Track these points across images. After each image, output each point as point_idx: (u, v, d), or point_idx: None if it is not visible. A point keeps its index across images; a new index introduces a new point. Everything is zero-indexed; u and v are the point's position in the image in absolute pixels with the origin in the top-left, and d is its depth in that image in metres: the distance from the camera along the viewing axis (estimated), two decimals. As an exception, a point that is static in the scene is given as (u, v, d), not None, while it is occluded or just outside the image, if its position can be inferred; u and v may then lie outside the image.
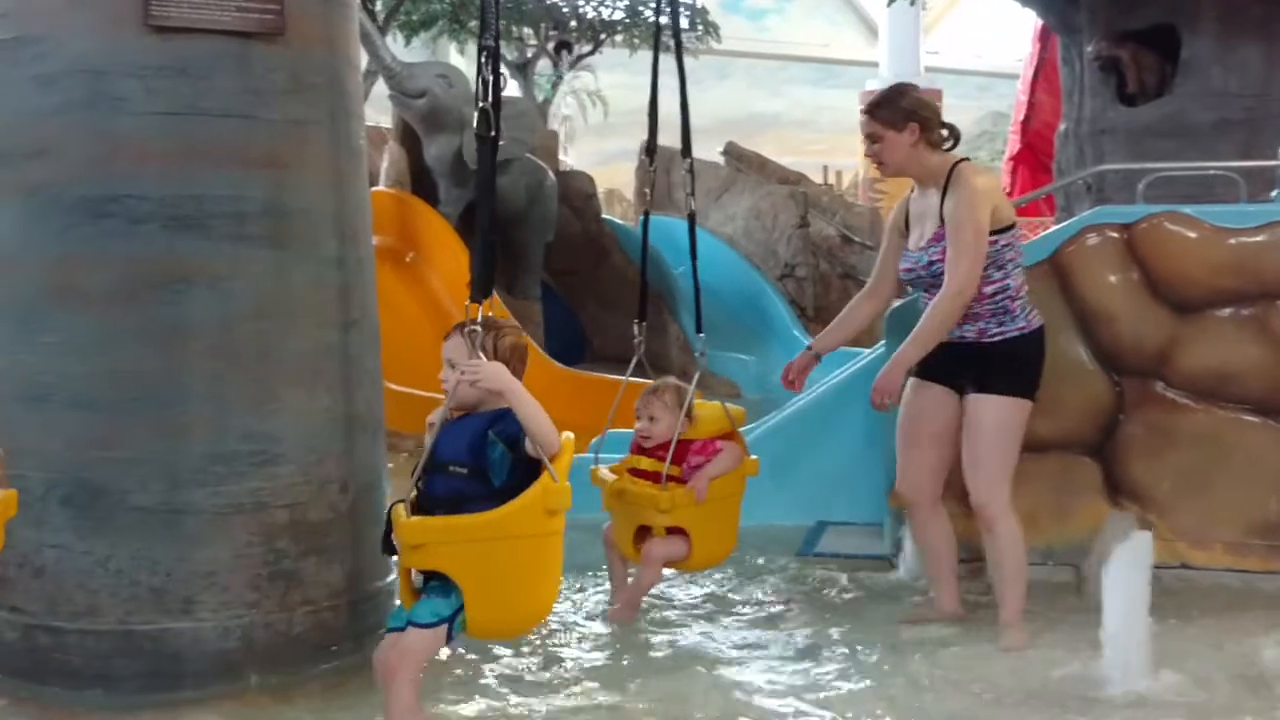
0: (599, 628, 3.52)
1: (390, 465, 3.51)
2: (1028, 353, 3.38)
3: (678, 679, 3.10)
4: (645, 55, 3.66)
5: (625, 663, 3.23)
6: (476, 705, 2.92)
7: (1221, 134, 6.66)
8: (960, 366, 3.38)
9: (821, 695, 3.00)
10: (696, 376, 3.52)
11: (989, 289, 3.32)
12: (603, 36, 15.40)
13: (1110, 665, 2.97)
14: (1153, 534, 3.84)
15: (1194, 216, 3.96)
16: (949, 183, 3.33)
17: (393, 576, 3.18)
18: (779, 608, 3.71)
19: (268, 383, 3.03)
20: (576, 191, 9.68)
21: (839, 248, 10.95)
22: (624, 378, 3.54)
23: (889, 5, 13.79)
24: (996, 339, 3.35)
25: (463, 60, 16.34)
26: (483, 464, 2.48)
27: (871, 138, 3.41)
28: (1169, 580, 3.70)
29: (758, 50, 27.34)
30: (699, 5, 15.79)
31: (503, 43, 15.41)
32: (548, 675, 3.13)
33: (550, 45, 15.62)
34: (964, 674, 3.09)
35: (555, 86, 16.87)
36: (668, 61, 3.55)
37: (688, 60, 3.61)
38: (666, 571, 3.75)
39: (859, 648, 3.31)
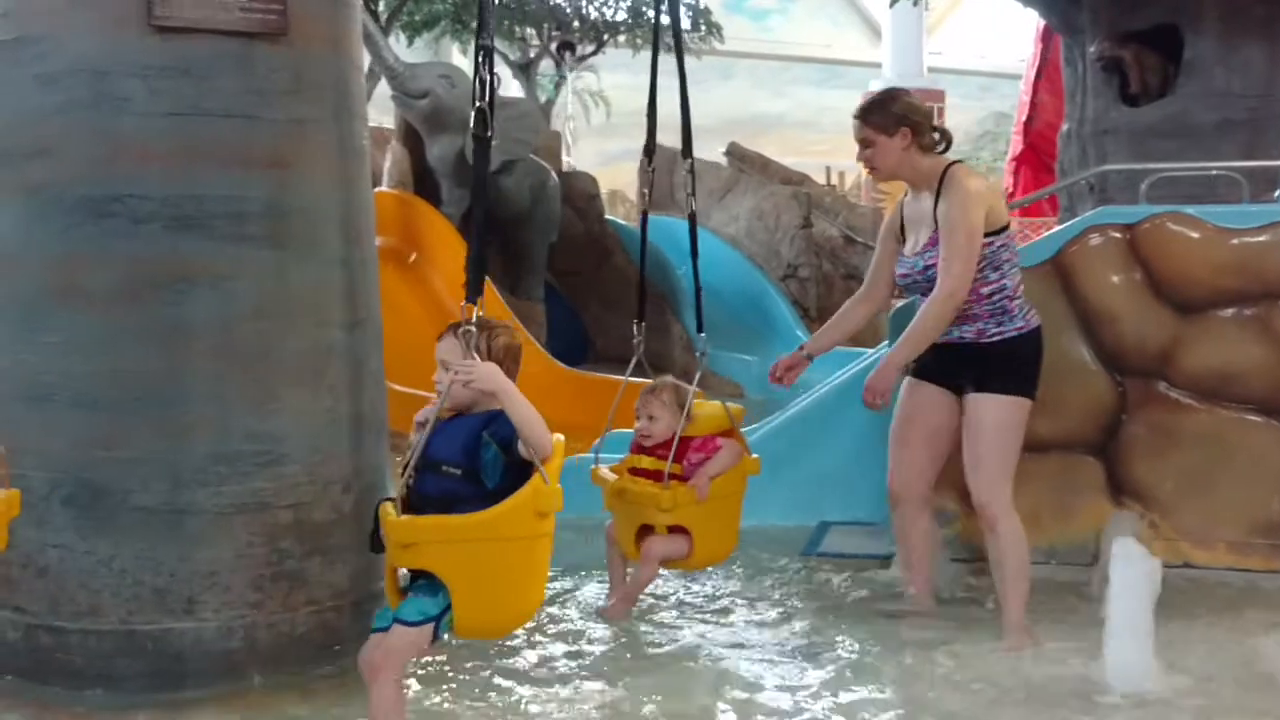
0: (596, 625, 3.51)
1: (393, 465, 3.51)
2: (1027, 352, 3.39)
3: (676, 677, 3.10)
4: (648, 56, 3.66)
5: (623, 661, 3.23)
6: (471, 704, 2.93)
7: (1224, 134, 6.66)
8: (959, 367, 3.38)
9: (822, 694, 3.00)
10: (698, 376, 3.53)
11: (986, 289, 3.33)
12: (605, 37, 15.41)
13: (1113, 665, 2.97)
14: (1155, 534, 3.86)
15: (1197, 217, 3.96)
16: (942, 186, 3.34)
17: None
18: (781, 607, 3.71)
19: (270, 383, 3.03)
20: (579, 192, 9.68)
21: (842, 248, 10.95)
22: (624, 377, 3.55)
23: (892, 6, 13.78)
24: (995, 339, 3.36)
25: (465, 61, 16.32)
26: (476, 465, 2.47)
27: (863, 143, 3.43)
28: (1172, 580, 3.68)
29: (761, 51, 27.35)
30: (702, 6, 15.80)
31: (506, 43, 15.56)
32: (541, 673, 3.13)
33: (553, 46, 15.63)
34: (965, 673, 3.09)
35: (558, 87, 16.90)
36: (669, 62, 3.56)
37: (690, 60, 3.62)
38: (668, 571, 3.75)
39: (860, 647, 3.31)
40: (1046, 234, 4.39)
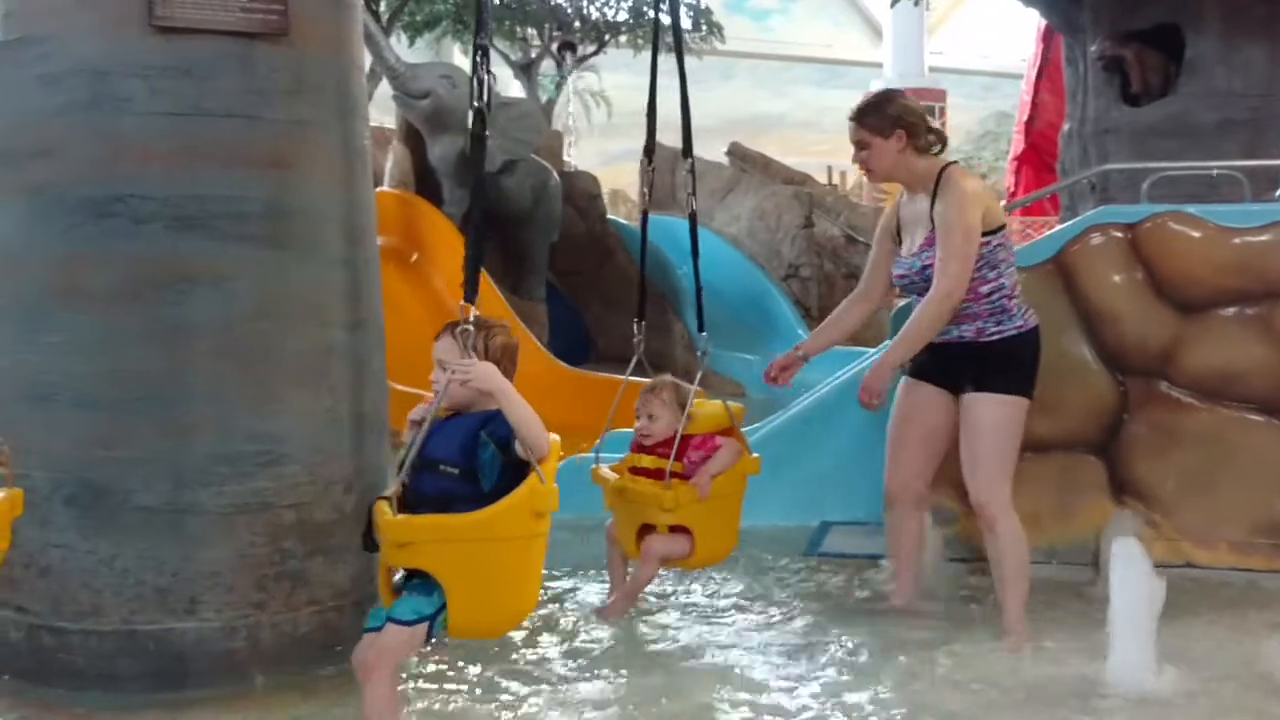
0: (596, 624, 3.52)
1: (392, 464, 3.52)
2: (1026, 351, 3.39)
3: (677, 677, 3.10)
4: (649, 56, 3.67)
5: (623, 660, 3.23)
6: (470, 703, 2.93)
7: (1225, 134, 6.66)
8: (958, 366, 3.39)
9: (822, 694, 3.00)
10: (699, 376, 3.53)
11: (984, 289, 3.33)
12: (607, 37, 15.41)
13: (1114, 664, 2.96)
14: (1156, 533, 3.86)
15: (1198, 216, 3.96)
16: (938, 187, 3.35)
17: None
18: (781, 607, 3.71)
19: (272, 383, 3.03)
20: (581, 192, 9.69)
21: (843, 248, 10.95)
22: (624, 377, 3.55)
23: (893, 6, 13.77)
24: (995, 338, 3.36)
25: (466, 61, 16.32)
26: (474, 464, 2.47)
27: (859, 145, 3.44)
28: (1174, 579, 3.68)
29: (762, 51, 27.34)
30: (703, 5, 15.80)
31: (507, 44, 15.54)
32: (541, 672, 3.13)
33: (554, 46, 15.63)
34: (965, 673, 3.09)
35: (559, 87, 16.89)
36: (669, 62, 3.56)
37: (691, 60, 3.62)
38: (668, 570, 3.75)
39: (861, 647, 3.31)
40: (1048, 233, 4.39)
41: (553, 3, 15.02)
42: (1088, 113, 7.49)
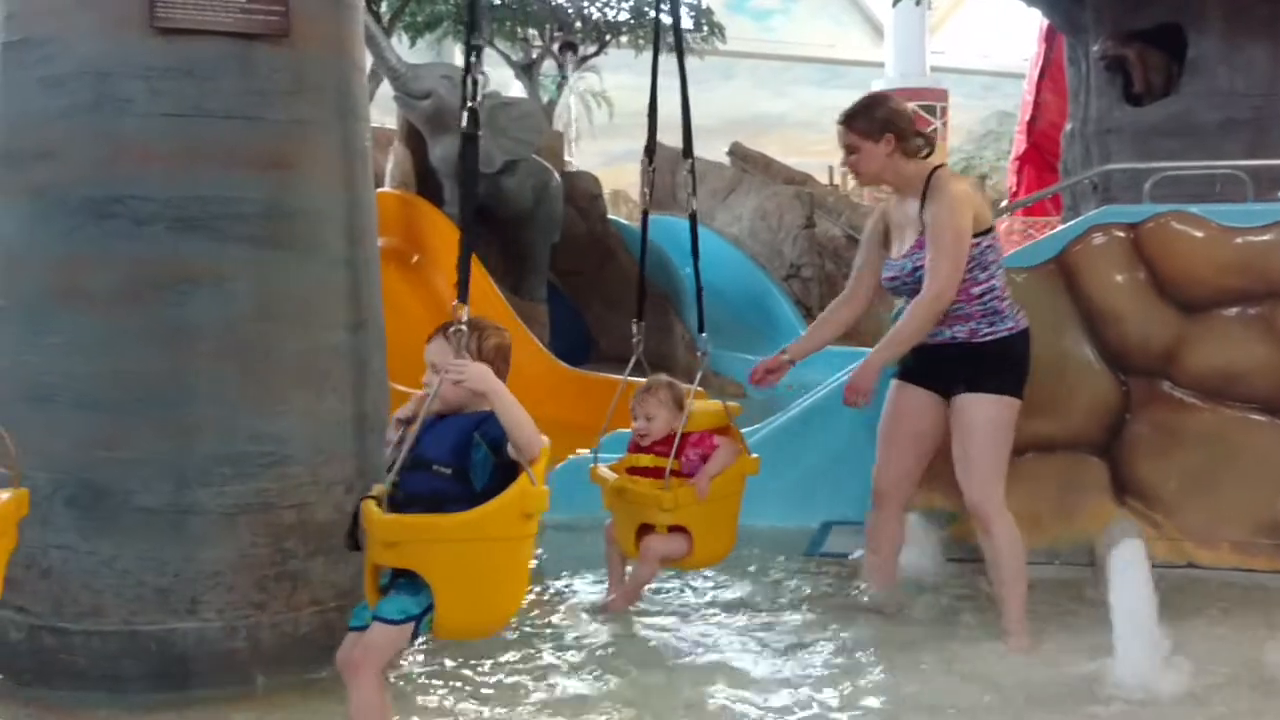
0: (594, 624, 3.52)
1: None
2: (1018, 352, 3.41)
3: (676, 677, 3.10)
4: (650, 56, 3.67)
5: (621, 660, 3.23)
6: (467, 703, 2.93)
7: (1228, 133, 6.66)
8: (950, 368, 3.40)
9: (822, 694, 3.00)
10: (699, 376, 3.53)
11: (976, 290, 3.35)
12: (608, 37, 15.41)
13: (1116, 665, 2.96)
14: (1158, 533, 3.85)
15: (1200, 216, 3.96)
16: (928, 189, 3.36)
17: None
18: (781, 607, 3.71)
19: (274, 383, 3.03)
20: (582, 192, 9.68)
21: (844, 248, 10.94)
22: (623, 377, 3.56)
23: (894, 5, 13.76)
24: (988, 338, 3.37)
25: (468, 61, 16.31)
26: (466, 465, 2.46)
27: (848, 149, 3.45)
28: (1176, 579, 3.69)
29: (763, 51, 27.33)
30: (704, 6, 15.80)
31: (508, 44, 15.51)
32: (539, 672, 3.13)
33: (555, 46, 15.62)
34: (965, 674, 3.09)
35: (560, 87, 16.89)
36: (670, 62, 3.56)
37: (692, 60, 3.63)
38: (671, 570, 3.75)
39: (860, 648, 3.31)
40: (1050, 233, 4.38)
41: (554, 3, 15.02)
42: (1090, 112, 7.49)
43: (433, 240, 8.22)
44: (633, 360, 3.50)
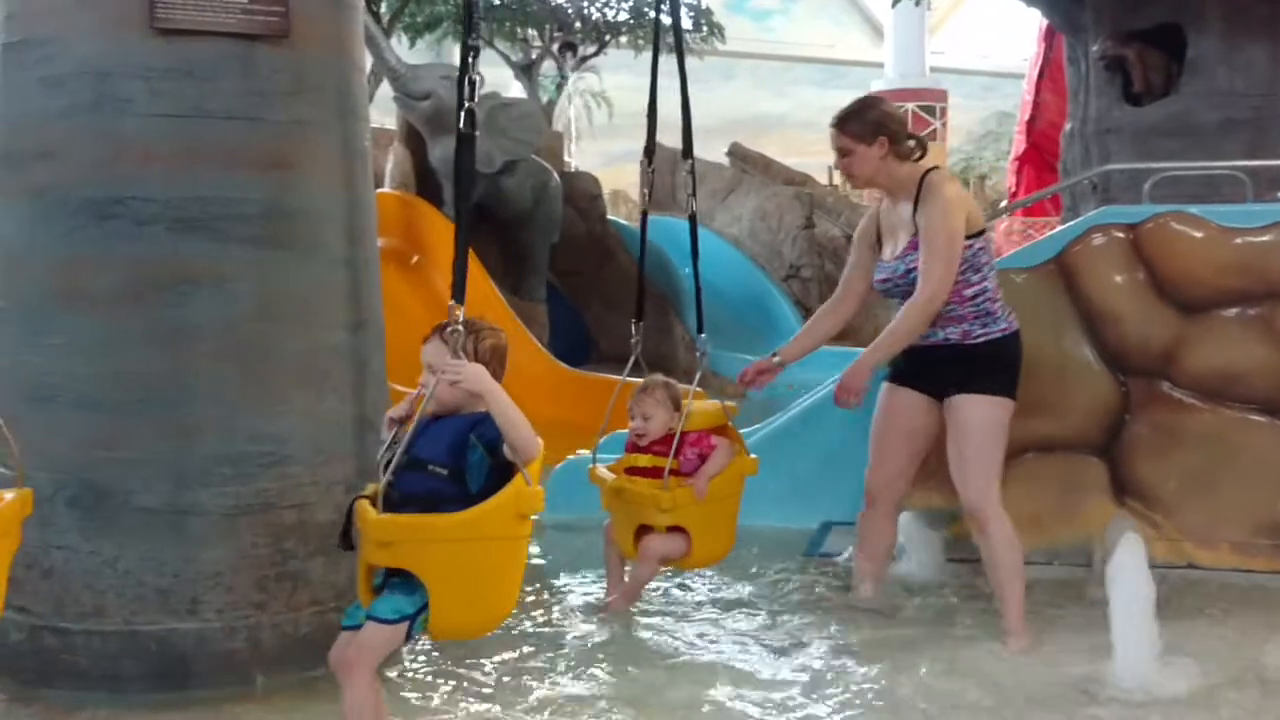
0: (594, 625, 3.52)
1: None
2: (1010, 353, 3.43)
3: (676, 678, 3.10)
4: (650, 56, 3.67)
5: (621, 660, 3.24)
6: (458, 702, 2.93)
7: (1227, 133, 6.67)
8: (942, 369, 3.42)
9: (822, 694, 3.00)
10: (697, 376, 3.54)
11: (969, 292, 3.37)
12: (607, 38, 15.41)
13: (1115, 665, 2.96)
14: (1158, 534, 3.85)
15: (1200, 216, 3.96)
16: (921, 191, 3.38)
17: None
18: (781, 607, 3.71)
19: (274, 384, 3.03)
20: (581, 193, 9.69)
21: (844, 248, 10.93)
22: (621, 377, 3.56)
23: (894, 6, 13.77)
24: (980, 340, 3.39)
25: (468, 62, 16.29)
26: (462, 465, 2.46)
27: (841, 151, 3.47)
28: (1176, 580, 3.69)
29: (763, 51, 27.34)
30: (704, 6, 15.80)
31: (508, 44, 15.49)
32: (537, 673, 3.13)
33: (555, 46, 15.63)
34: (966, 674, 3.09)
35: (560, 88, 16.89)
36: (670, 62, 3.56)
37: (692, 61, 3.63)
38: (670, 571, 3.75)
39: (861, 648, 3.31)
40: (1050, 233, 4.38)
41: (553, 3, 15.02)
42: (1089, 112, 7.49)
43: (432, 240, 8.22)
44: (631, 361, 3.51)
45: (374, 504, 2.40)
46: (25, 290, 3.02)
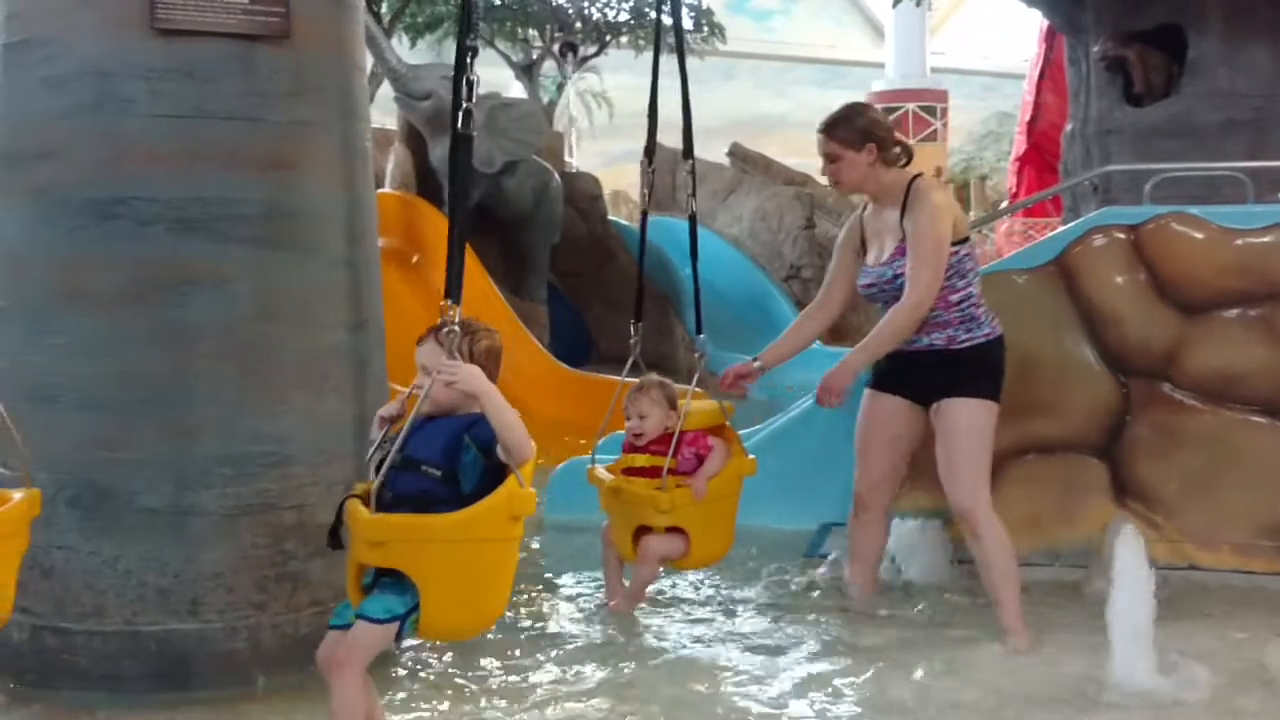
0: (594, 626, 3.52)
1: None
2: (995, 358, 3.46)
3: (674, 677, 3.10)
4: (650, 57, 3.67)
5: (617, 658, 3.24)
6: (454, 701, 2.93)
7: (1228, 134, 6.67)
8: (927, 375, 3.44)
9: (821, 695, 3.00)
10: (695, 376, 3.55)
11: (954, 297, 3.39)
12: (608, 38, 15.41)
13: (1115, 666, 2.96)
14: (1159, 535, 3.85)
15: (1201, 217, 3.96)
16: (909, 198, 3.40)
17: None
18: (781, 608, 3.71)
19: (275, 384, 3.03)
20: (582, 193, 9.69)
21: (844, 249, 10.94)
22: (621, 378, 3.56)
23: (895, 6, 13.77)
24: (966, 345, 3.41)
25: (468, 62, 16.27)
26: (455, 466, 2.45)
27: (829, 157, 3.49)
28: (1176, 581, 3.69)
29: (763, 51, 27.34)
30: (704, 6, 15.80)
31: (509, 44, 15.48)
32: (536, 672, 3.13)
33: (555, 47, 15.62)
34: (965, 674, 3.09)
35: (560, 88, 16.89)
36: (671, 63, 3.56)
37: (693, 61, 3.64)
38: (668, 571, 3.75)
39: (860, 648, 3.31)
40: (1050, 234, 4.38)
41: (554, 4, 15.02)
42: (1090, 113, 7.49)
43: (433, 241, 8.22)
44: (630, 361, 3.51)
45: (365, 503, 2.40)
46: (27, 290, 3.02)
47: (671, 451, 3.43)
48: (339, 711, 2.44)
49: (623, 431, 3.68)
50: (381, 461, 2.42)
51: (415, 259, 8.22)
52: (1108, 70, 7.33)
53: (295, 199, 3.07)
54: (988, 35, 26.97)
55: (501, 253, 8.75)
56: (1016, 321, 3.77)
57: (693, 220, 3.67)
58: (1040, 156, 11.96)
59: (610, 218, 10.16)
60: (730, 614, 3.66)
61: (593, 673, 3.13)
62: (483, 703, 2.95)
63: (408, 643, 3.10)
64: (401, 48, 12.55)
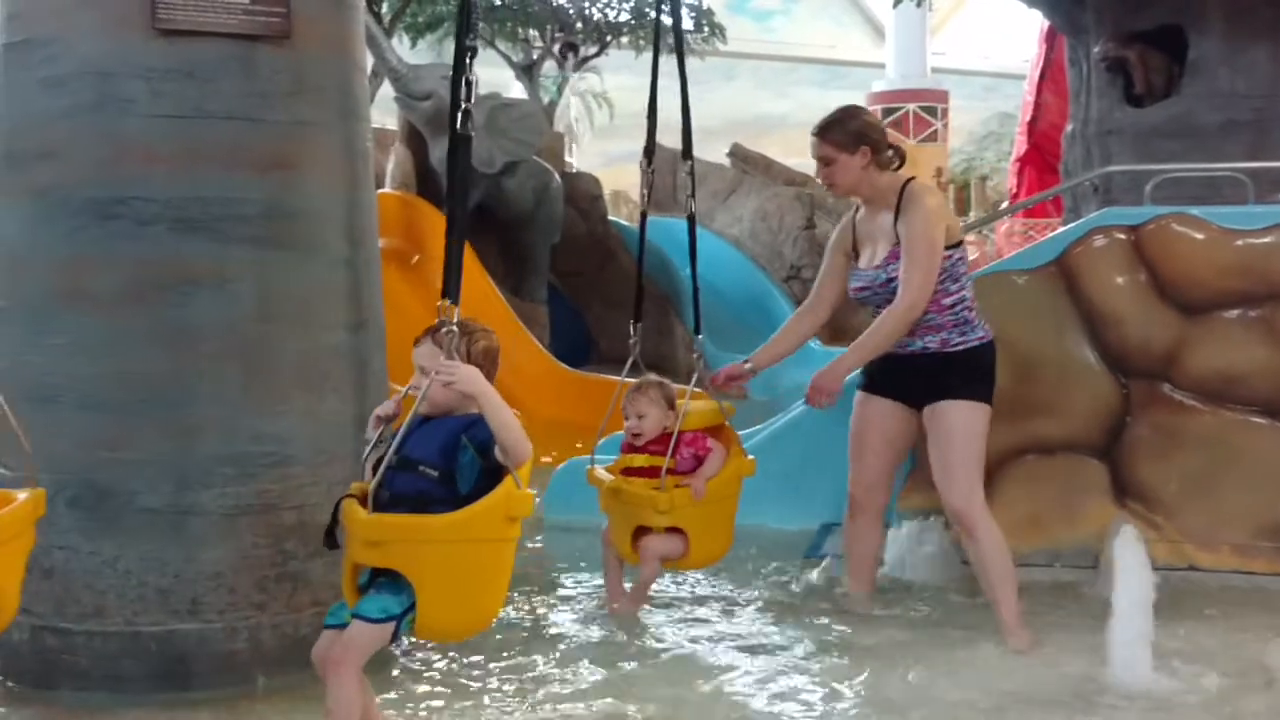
0: (595, 626, 3.52)
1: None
2: (988, 361, 3.47)
3: (673, 677, 3.10)
4: (651, 57, 3.67)
5: (619, 660, 3.24)
6: (452, 702, 2.93)
7: (1229, 135, 6.67)
8: (919, 378, 3.44)
9: (821, 695, 3.00)
10: (694, 376, 3.55)
11: (948, 300, 3.40)
12: (608, 38, 15.41)
13: (1115, 666, 2.96)
14: (1160, 536, 3.85)
15: (1201, 218, 3.96)
16: (902, 201, 3.41)
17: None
18: (781, 608, 3.71)
19: (275, 384, 3.03)
20: (582, 193, 9.69)
21: (845, 249, 10.94)
22: (620, 378, 3.56)
23: (895, 6, 13.76)
24: (959, 348, 3.42)
25: (469, 62, 16.28)
26: (453, 467, 2.45)
27: (823, 160, 3.50)
28: (1176, 582, 3.69)
29: (764, 51, 27.34)
30: (705, 6, 15.81)
31: (509, 44, 15.48)
32: (534, 673, 3.13)
33: (556, 47, 15.62)
34: (965, 674, 3.09)
35: (561, 88, 16.89)
36: (671, 63, 3.56)
37: (693, 61, 3.64)
38: (668, 571, 3.75)
39: (860, 648, 3.31)
40: (1051, 235, 4.39)
41: (554, 4, 15.02)
42: (1091, 114, 7.49)
43: (433, 241, 8.22)
44: (630, 361, 3.51)
45: (362, 503, 2.39)
46: (27, 290, 3.02)
47: (670, 452, 3.43)
48: (335, 710, 2.43)
49: (620, 432, 3.68)
50: (379, 461, 2.42)
51: (415, 259, 8.22)
52: (1108, 71, 7.33)
53: (296, 199, 3.07)
54: (988, 36, 26.98)
55: (501, 253, 8.76)
56: (1017, 322, 3.78)
57: (692, 220, 3.68)
58: (1041, 157, 11.96)
59: (610, 218, 10.17)
60: (730, 614, 3.66)
61: (592, 673, 3.13)
62: (483, 702, 2.95)
63: (407, 643, 3.11)
64: (402, 48, 12.55)
